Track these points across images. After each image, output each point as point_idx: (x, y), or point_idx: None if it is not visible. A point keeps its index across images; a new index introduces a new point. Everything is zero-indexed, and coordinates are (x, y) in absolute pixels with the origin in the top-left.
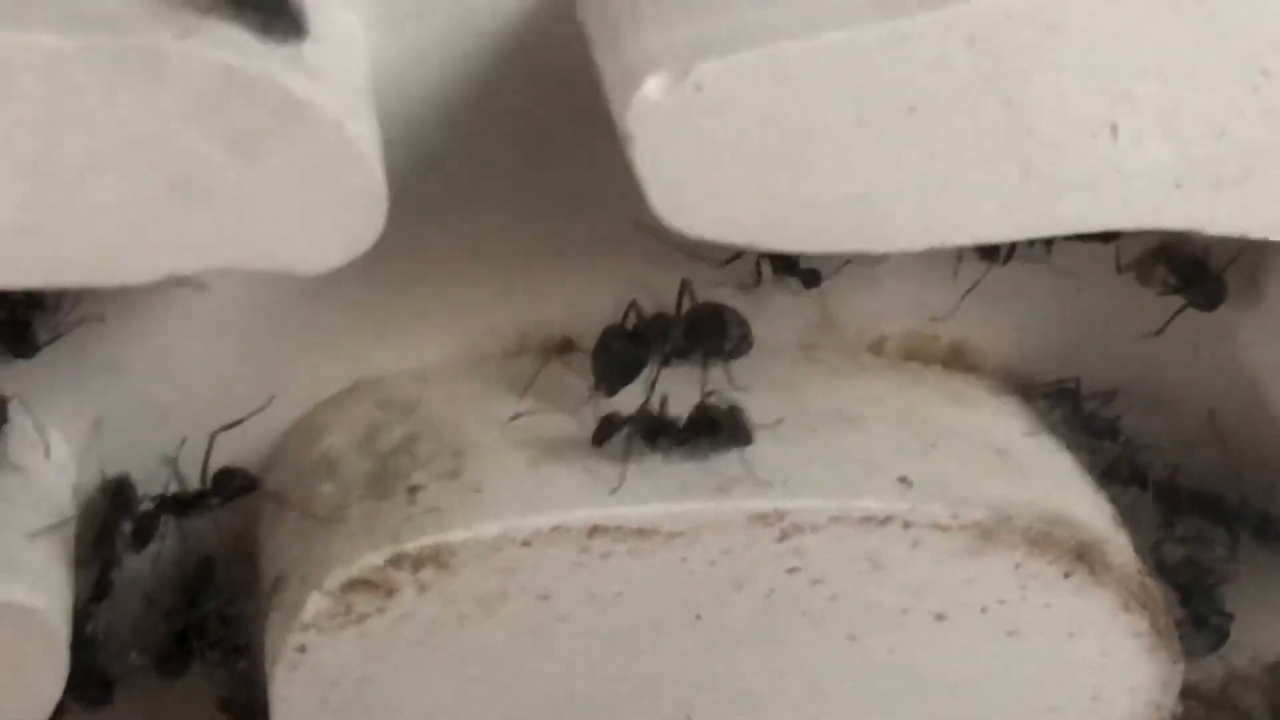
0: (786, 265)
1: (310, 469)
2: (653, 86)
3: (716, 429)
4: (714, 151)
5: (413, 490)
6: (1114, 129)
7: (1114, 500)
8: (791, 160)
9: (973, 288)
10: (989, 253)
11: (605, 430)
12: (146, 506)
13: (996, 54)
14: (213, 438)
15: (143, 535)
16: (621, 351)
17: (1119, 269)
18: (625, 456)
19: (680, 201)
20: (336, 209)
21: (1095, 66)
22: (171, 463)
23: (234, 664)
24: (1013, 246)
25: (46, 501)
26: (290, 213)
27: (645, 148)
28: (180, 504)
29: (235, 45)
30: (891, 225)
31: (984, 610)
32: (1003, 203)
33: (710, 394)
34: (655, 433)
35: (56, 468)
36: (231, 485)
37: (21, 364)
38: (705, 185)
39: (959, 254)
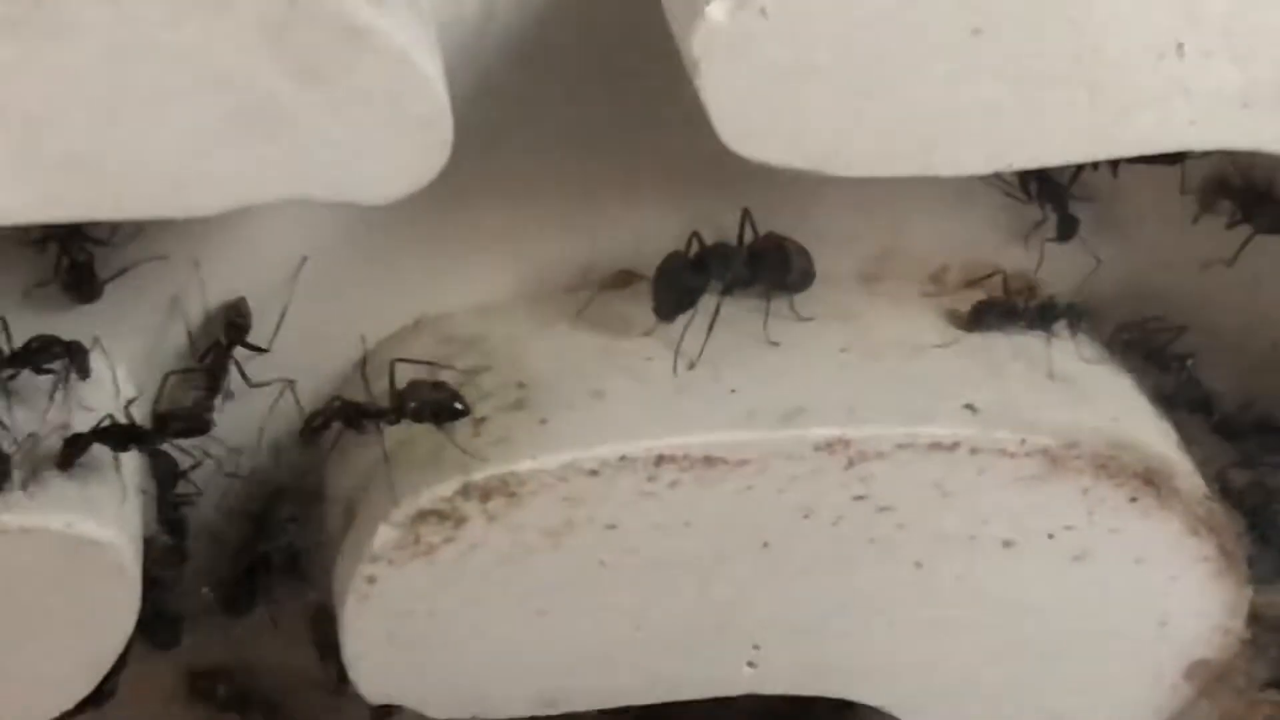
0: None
1: None
2: (717, 10)
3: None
4: (779, 76)
5: (479, 422)
6: (1180, 48)
7: (1178, 427)
8: (857, 84)
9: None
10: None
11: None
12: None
13: None
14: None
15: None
16: (681, 278)
17: (1183, 191)
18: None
19: (746, 127)
20: (402, 138)
21: None
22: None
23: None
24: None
25: None
26: (356, 142)
27: (710, 74)
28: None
29: None
30: (957, 149)
31: (1051, 536)
32: (1069, 124)
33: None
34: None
35: (122, 407)
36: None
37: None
38: (770, 111)
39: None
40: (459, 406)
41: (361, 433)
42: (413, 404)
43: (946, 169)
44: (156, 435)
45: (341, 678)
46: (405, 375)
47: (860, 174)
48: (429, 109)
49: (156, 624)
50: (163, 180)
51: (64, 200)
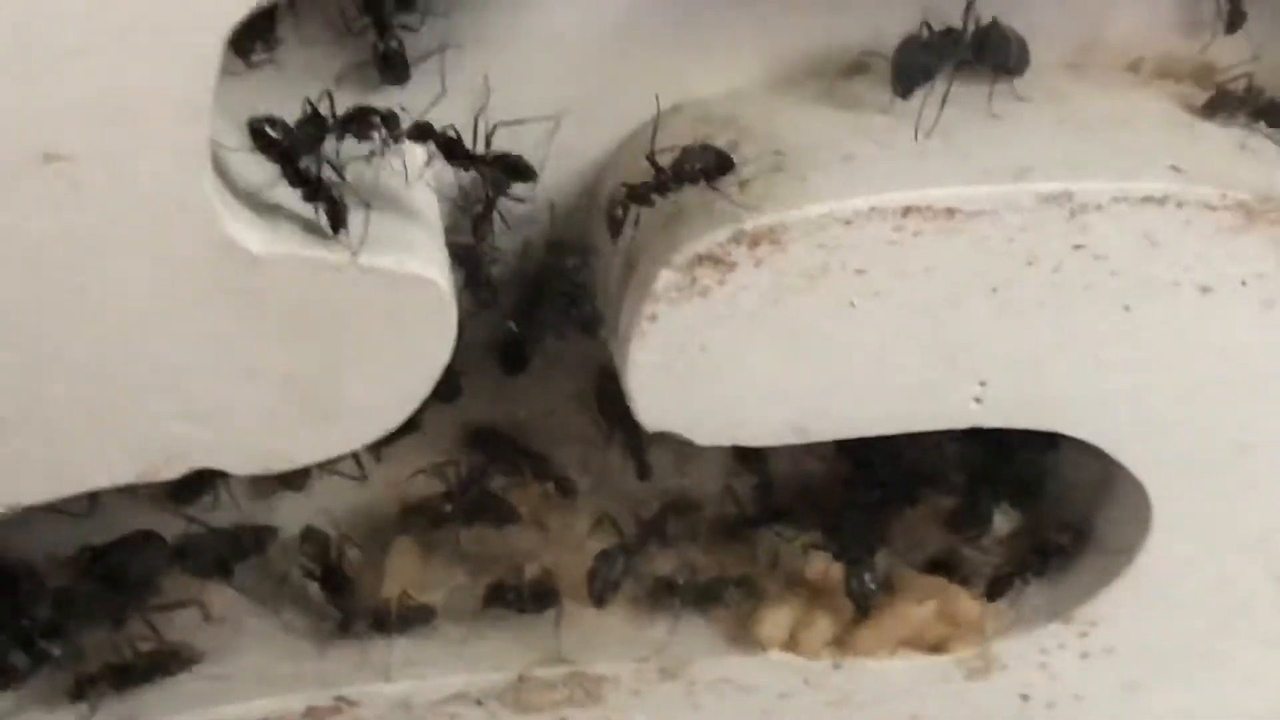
0: None
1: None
2: None
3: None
4: None
5: (743, 183)
6: None
7: None
8: None
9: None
10: None
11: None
12: None
13: None
14: None
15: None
16: (917, 59)
17: None
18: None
19: None
20: None
21: None
22: None
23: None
24: None
25: (423, 196)
26: None
27: None
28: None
29: None
30: None
31: (1244, 283)
32: None
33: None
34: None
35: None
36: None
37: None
38: None
39: None
40: (727, 161)
41: (650, 206)
42: (687, 167)
43: None
44: (489, 162)
45: (611, 432)
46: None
47: None
48: None
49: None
50: None
51: None
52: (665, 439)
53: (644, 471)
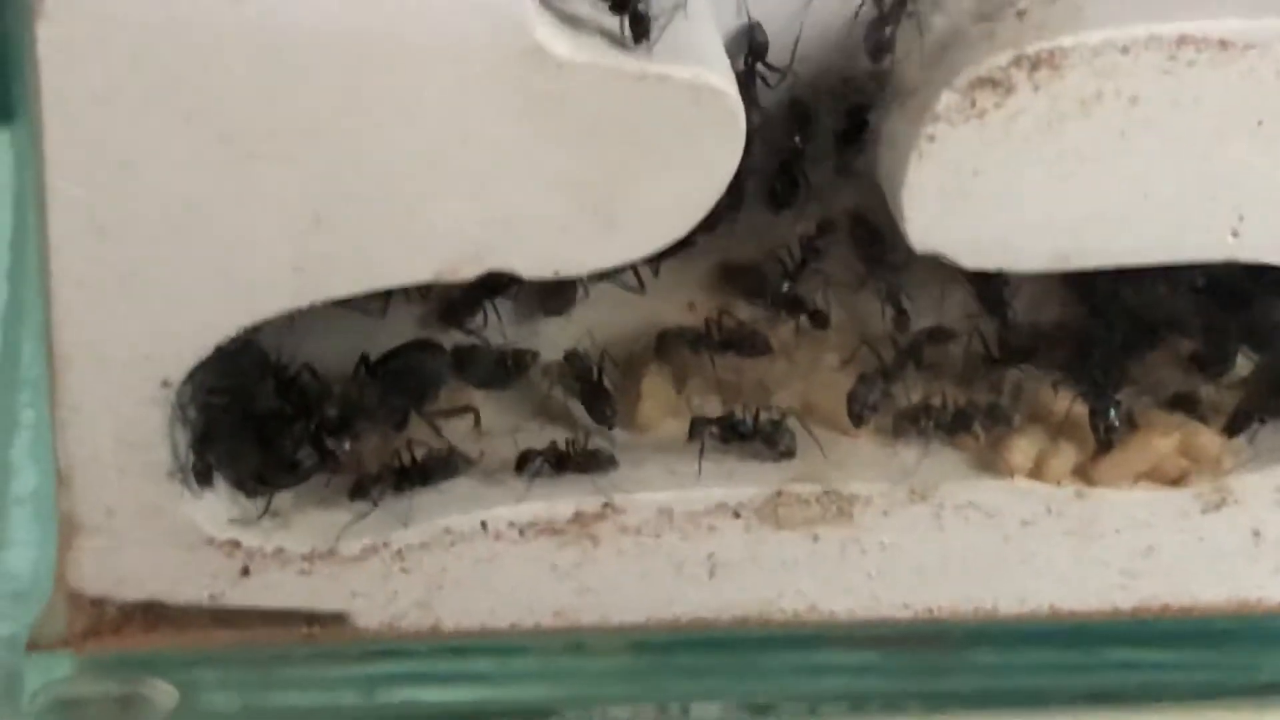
0: None
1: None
2: None
3: None
4: None
5: (1020, 13)
6: None
7: None
8: None
9: None
10: None
11: None
12: None
13: None
14: None
15: None
16: None
17: None
18: None
19: None
20: None
21: None
22: None
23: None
24: None
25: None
26: None
27: None
28: None
29: None
30: None
31: None
32: None
33: None
34: None
35: None
36: None
37: None
38: None
39: None
40: None
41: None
42: None
43: None
44: None
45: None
46: None
47: None
48: None
49: None
50: None
51: None
52: (914, 284)
53: (902, 322)
